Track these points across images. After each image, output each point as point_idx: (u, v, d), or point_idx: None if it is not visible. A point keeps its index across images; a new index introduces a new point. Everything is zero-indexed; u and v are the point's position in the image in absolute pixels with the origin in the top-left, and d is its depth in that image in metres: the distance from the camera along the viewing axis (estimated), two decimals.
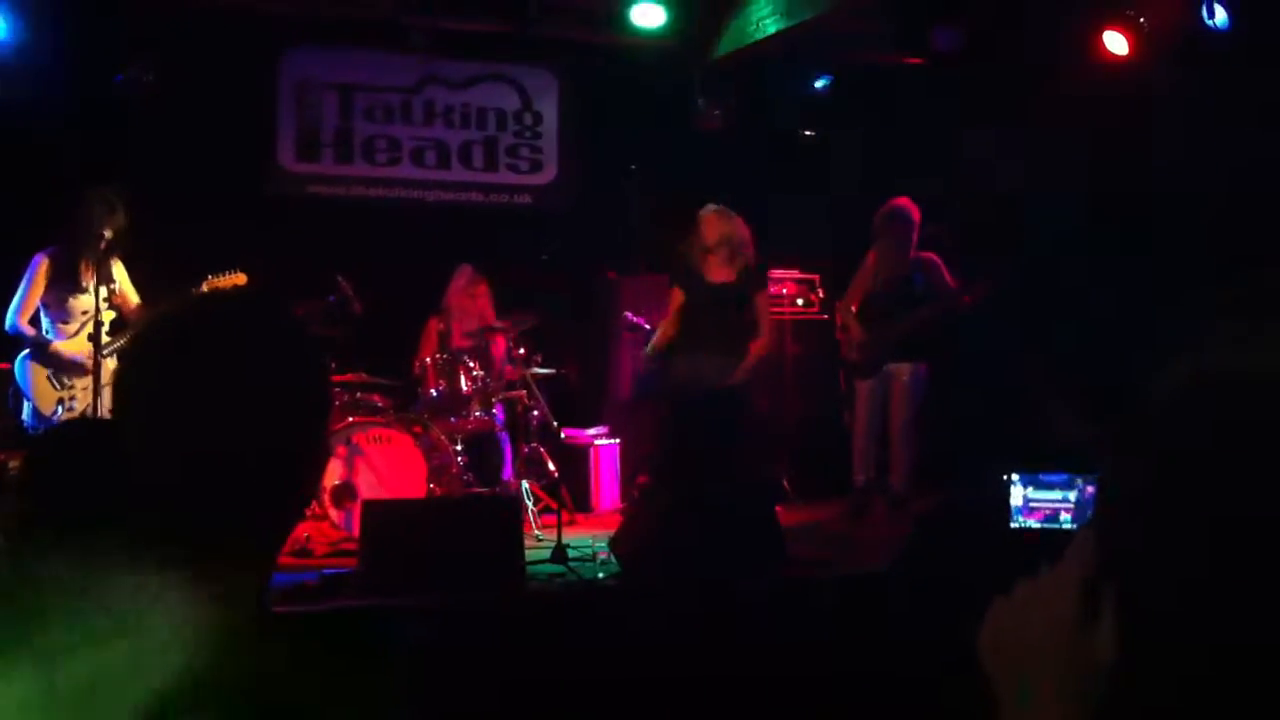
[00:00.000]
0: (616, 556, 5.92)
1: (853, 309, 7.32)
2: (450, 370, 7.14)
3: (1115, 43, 7.55)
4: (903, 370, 7.16)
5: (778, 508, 6.32)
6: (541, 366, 7.61)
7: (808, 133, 9.54)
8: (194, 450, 1.34)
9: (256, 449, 1.36)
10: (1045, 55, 7.53)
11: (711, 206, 6.80)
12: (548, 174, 9.52)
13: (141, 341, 1.44)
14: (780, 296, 8.53)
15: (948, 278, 7.15)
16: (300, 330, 1.45)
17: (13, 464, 6.23)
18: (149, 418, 1.38)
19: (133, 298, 6.33)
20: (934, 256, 7.20)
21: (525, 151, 9.48)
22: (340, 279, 6.98)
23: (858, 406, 7.33)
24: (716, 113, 9.10)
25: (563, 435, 7.81)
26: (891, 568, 4.83)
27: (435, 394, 7.12)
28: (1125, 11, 7.48)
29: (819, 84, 9.20)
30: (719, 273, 6.74)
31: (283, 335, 1.46)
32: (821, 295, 8.64)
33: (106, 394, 6.08)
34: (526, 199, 9.46)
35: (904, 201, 7.19)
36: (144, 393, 1.41)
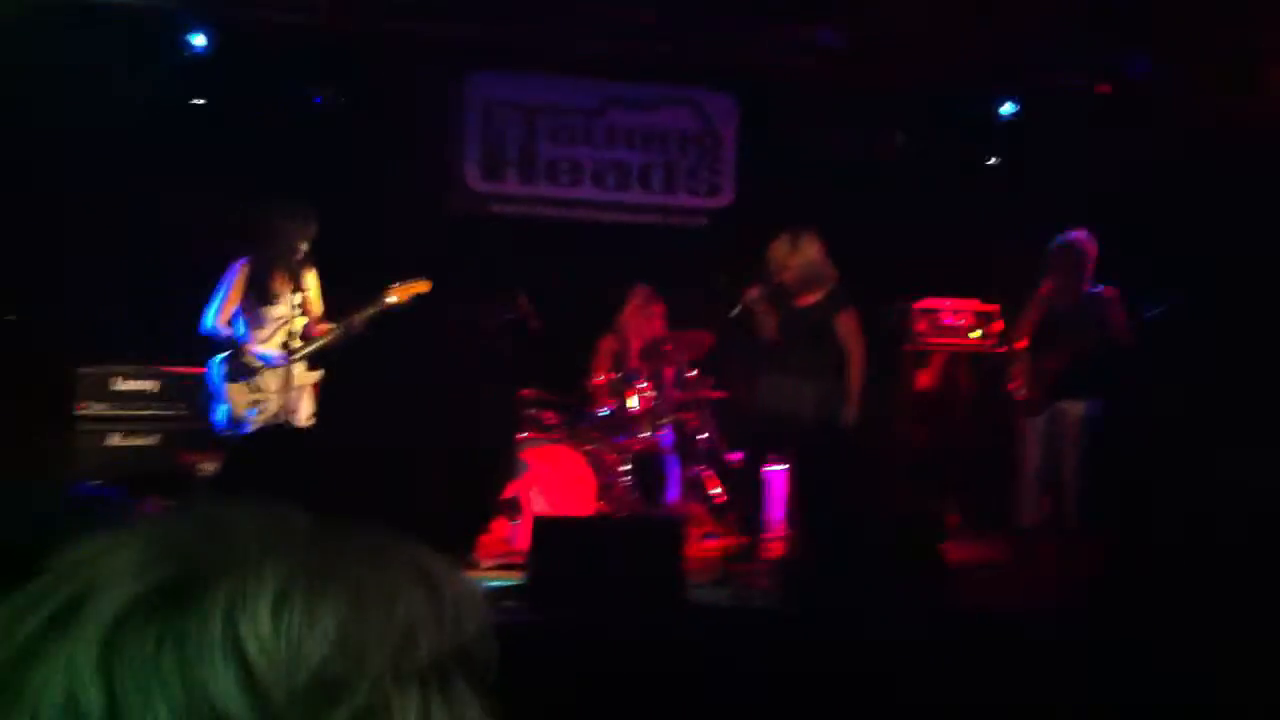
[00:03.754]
0: (776, 584, 5.91)
1: (1019, 345, 7.15)
2: (621, 390, 7.23)
3: None
4: (1074, 407, 6.90)
5: (944, 544, 6.19)
6: (713, 389, 7.64)
7: (992, 160, 9.37)
8: (391, 459, 1.41)
9: (452, 460, 1.42)
10: (1234, 86, 7.27)
11: (780, 236, 6.72)
12: (725, 197, 9.56)
13: (343, 357, 1.51)
14: (957, 328, 8.40)
15: (1121, 313, 6.91)
16: (495, 352, 1.51)
17: (203, 465, 6.55)
18: (347, 429, 1.45)
19: (317, 308, 6.55)
20: (1110, 291, 6.97)
21: (704, 175, 9.53)
22: (520, 296, 7.13)
23: (1026, 446, 7.11)
24: (899, 138, 9.03)
25: (730, 459, 7.82)
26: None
27: (606, 412, 7.21)
28: None
29: (1005, 110, 9.03)
30: (803, 298, 6.67)
31: (477, 361, 1.52)
32: (1001, 327, 8.46)
33: (294, 398, 6.32)
34: (703, 221, 9.51)
35: (1079, 234, 6.99)
36: (343, 405, 1.48)
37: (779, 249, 6.67)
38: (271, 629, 0.63)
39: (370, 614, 0.66)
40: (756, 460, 7.04)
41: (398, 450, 5.49)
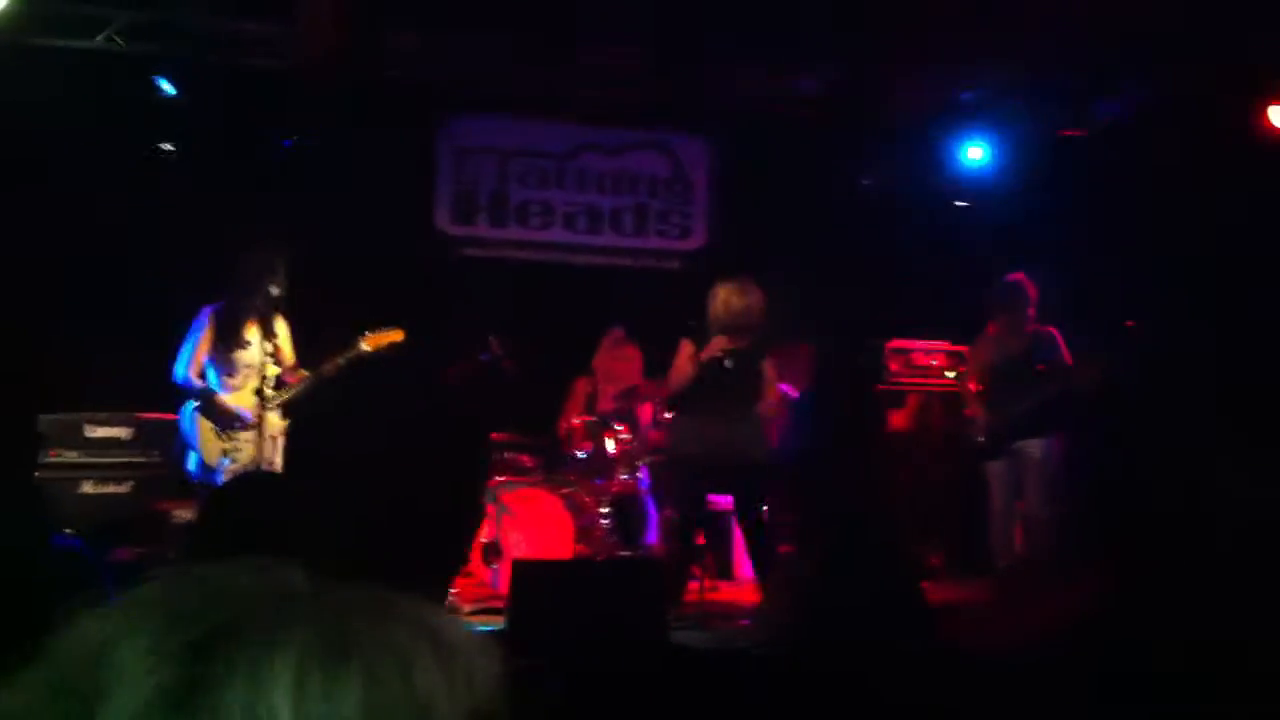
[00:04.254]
0: (759, 625, 5.87)
1: (971, 387, 7.25)
2: (597, 432, 7.20)
3: None
4: (1033, 446, 6.98)
5: (925, 584, 6.17)
6: None
7: (959, 203, 9.45)
8: (358, 509, 1.39)
9: (419, 509, 1.40)
10: (1207, 129, 7.36)
11: (727, 283, 6.69)
12: (696, 240, 9.58)
13: (309, 406, 1.50)
14: (930, 368, 8.43)
15: (1065, 352, 7.02)
16: (461, 398, 1.51)
17: (176, 513, 6.46)
18: (315, 480, 1.43)
19: (289, 355, 6.50)
20: (1052, 330, 7.08)
21: (675, 218, 9.56)
22: (492, 339, 7.11)
23: (991, 490, 7.17)
24: (866, 180, 9.11)
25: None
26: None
27: (582, 455, 7.18)
28: None
29: (975, 154, 9.12)
30: (740, 342, 6.63)
31: (444, 403, 1.51)
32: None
33: (268, 446, 6.26)
34: (675, 264, 9.53)
35: (1019, 276, 7.13)
36: (309, 456, 1.46)
37: (728, 294, 6.62)
38: (292, 715, 0.62)
39: (388, 688, 0.65)
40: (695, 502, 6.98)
41: (370, 494, 5.44)
